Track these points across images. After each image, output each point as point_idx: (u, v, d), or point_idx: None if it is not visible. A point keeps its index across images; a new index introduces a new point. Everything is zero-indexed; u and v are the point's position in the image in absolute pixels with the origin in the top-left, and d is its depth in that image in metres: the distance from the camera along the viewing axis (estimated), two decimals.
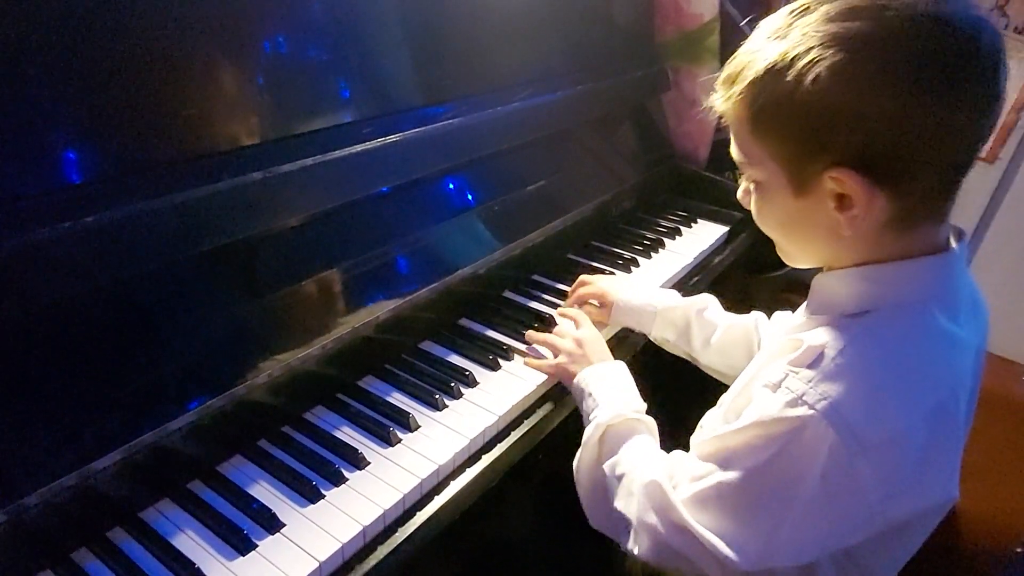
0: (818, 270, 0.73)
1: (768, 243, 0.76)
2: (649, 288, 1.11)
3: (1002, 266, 1.81)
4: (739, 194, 0.74)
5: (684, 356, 1.06)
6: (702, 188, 1.60)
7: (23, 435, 0.66)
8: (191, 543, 0.73)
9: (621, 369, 0.94)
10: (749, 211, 0.74)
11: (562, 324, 1.07)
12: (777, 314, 0.97)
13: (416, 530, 0.79)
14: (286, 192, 0.87)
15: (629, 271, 1.32)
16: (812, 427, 0.61)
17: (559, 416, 1.01)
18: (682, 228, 1.48)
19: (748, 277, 1.76)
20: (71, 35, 0.70)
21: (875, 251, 0.66)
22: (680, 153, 1.67)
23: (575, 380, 0.94)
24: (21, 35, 0.67)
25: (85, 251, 0.70)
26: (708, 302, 1.03)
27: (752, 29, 0.67)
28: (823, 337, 0.65)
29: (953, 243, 0.68)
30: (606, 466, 0.80)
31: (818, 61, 0.58)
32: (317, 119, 0.93)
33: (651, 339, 1.08)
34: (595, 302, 1.13)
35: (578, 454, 0.85)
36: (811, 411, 0.61)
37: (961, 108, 0.57)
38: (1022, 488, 1.18)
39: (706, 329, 1.01)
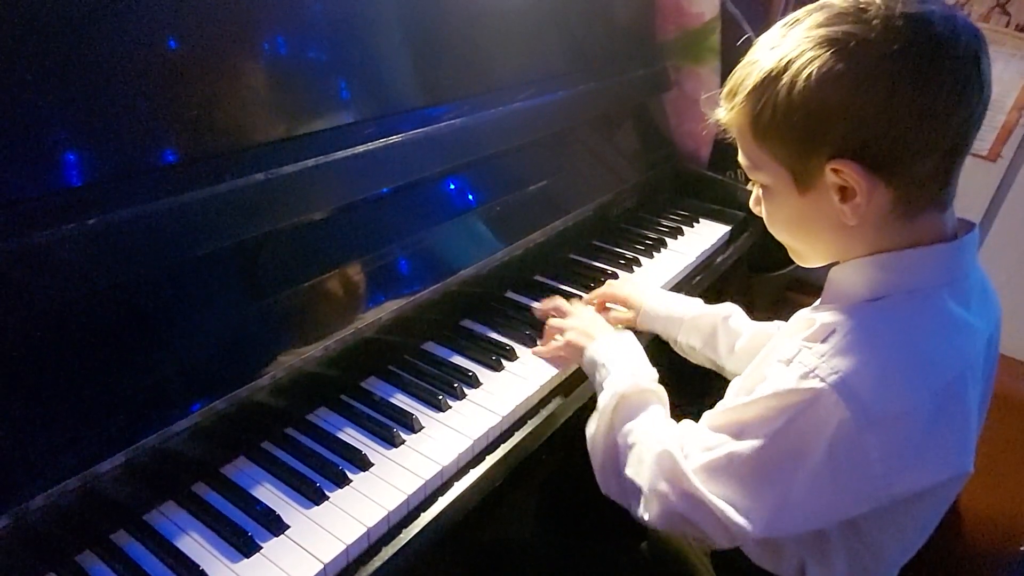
0: (826, 269, 0.75)
1: (770, 242, 0.77)
2: (674, 296, 1.13)
3: (1005, 264, 1.80)
4: (751, 202, 0.77)
5: (708, 364, 1.07)
6: (704, 187, 1.60)
7: (26, 438, 0.66)
8: (195, 545, 0.73)
9: (629, 338, 0.97)
10: (753, 211, 0.76)
11: (559, 305, 1.09)
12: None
13: (420, 531, 0.79)
14: (288, 193, 0.87)
15: (631, 271, 1.32)
16: (823, 399, 0.63)
17: (563, 416, 1.01)
18: (684, 228, 1.48)
19: (751, 276, 1.76)
20: (72, 37, 0.70)
21: (883, 240, 0.69)
22: (682, 152, 1.67)
23: (586, 354, 0.95)
24: (22, 37, 0.67)
25: (88, 253, 0.69)
26: (732, 310, 1.04)
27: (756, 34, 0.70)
28: (837, 316, 0.68)
29: (961, 235, 0.70)
30: (619, 435, 0.82)
31: (811, 62, 0.63)
32: (319, 120, 0.93)
33: (675, 347, 1.10)
34: (621, 307, 1.14)
35: (593, 423, 0.87)
36: (822, 384, 0.63)
37: (940, 96, 0.62)
38: (1023, 488, 1.18)
39: (732, 336, 1.02)
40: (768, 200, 0.74)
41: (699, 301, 1.09)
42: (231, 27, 0.83)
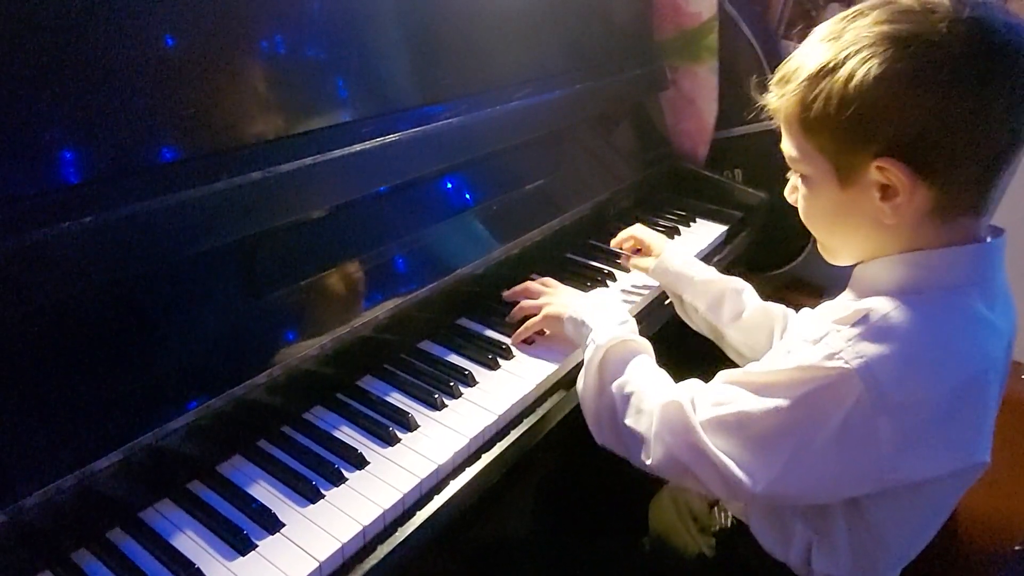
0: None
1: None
2: (692, 258, 1.16)
3: (1004, 265, 1.80)
4: (786, 191, 0.78)
5: (707, 330, 1.09)
6: (701, 187, 1.60)
7: (23, 435, 0.66)
8: (191, 543, 0.73)
9: (607, 295, 1.00)
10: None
11: (528, 286, 1.13)
12: (805, 309, 0.98)
13: (416, 530, 0.79)
14: (285, 192, 0.87)
15: (628, 270, 1.31)
16: (844, 381, 0.65)
17: (559, 414, 1.01)
18: (680, 227, 1.48)
19: (748, 276, 1.75)
20: (69, 34, 0.70)
21: (916, 240, 0.69)
22: (679, 152, 1.67)
23: (566, 317, 0.99)
24: (19, 34, 0.66)
25: (84, 251, 0.69)
26: (743, 285, 1.07)
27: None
28: (870, 303, 0.69)
29: (990, 239, 0.71)
30: (614, 386, 0.84)
31: (872, 57, 0.64)
32: (316, 118, 0.93)
33: (678, 307, 1.12)
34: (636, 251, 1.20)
35: (580, 378, 0.89)
36: (846, 365, 0.65)
37: (996, 103, 0.62)
38: (1022, 488, 1.18)
39: (738, 305, 1.04)
40: (808, 191, 0.74)
41: (714, 269, 1.11)
42: (228, 25, 0.83)
